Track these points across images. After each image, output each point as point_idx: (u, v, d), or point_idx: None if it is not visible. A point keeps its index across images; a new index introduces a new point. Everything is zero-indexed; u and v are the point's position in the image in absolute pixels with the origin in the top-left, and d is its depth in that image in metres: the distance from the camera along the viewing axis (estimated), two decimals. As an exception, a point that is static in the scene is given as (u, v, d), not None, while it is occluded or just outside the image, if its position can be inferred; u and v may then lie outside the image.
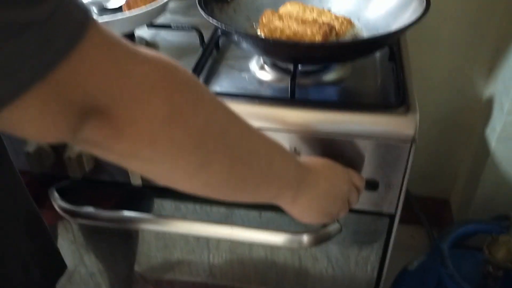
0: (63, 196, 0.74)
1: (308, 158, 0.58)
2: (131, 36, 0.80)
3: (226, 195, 0.48)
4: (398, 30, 0.58)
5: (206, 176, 0.43)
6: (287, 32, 0.67)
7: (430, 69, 1.16)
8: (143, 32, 0.85)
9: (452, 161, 1.33)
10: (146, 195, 0.80)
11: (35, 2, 0.27)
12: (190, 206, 0.77)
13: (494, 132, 1.07)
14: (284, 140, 0.64)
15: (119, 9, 0.79)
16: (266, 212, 0.76)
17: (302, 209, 0.56)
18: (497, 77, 1.10)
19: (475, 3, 1.05)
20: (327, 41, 0.65)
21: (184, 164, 0.41)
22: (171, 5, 0.94)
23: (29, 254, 0.55)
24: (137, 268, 0.94)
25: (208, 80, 0.71)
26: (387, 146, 0.63)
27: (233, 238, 0.71)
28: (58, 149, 0.70)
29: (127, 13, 0.73)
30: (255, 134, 0.47)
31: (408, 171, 0.65)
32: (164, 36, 0.84)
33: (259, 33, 0.71)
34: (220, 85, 0.70)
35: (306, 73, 0.71)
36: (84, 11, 0.31)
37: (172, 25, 0.82)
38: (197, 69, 0.70)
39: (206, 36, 0.79)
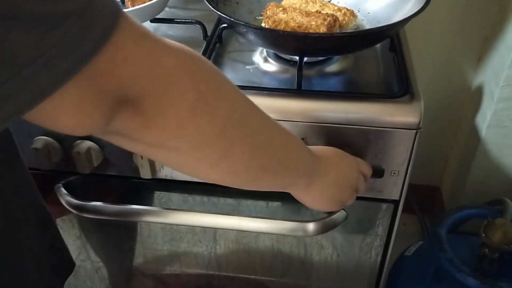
0: (71, 192, 0.74)
1: (318, 148, 0.59)
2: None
3: (245, 184, 0.49)
4: (405, 19, 0.60)
5: (228, 164, 0.44)
6: (292, 24, 0.69)
7: (420, 59, 1.18)
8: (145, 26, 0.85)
9: (443, 149, 1.36)
10: (149, 189, 0.80)
11: None
12: (198, 198, 0.78)
13: (485, 120, 1.10)
14: (292, 130, 0.65)
15: (122, 3, 0.79)
16: (273, 202, 0.77)
17: (314, 197, 0.57)
18: (486, 66, 1.13)
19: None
20: (331, 32, 0.66)
21: (208, 153, 0.42)
22: (169, -1, 0.94)
23: (41, 251, 0.56)
24: (142, 262, 0.95)
25: (213, 73, 0.71)
26: (393, 133, 0.65)
27: (242, 228, 0.72)
28: (66, 145, 0.70)
29: (130, 8, 0.74)
30: (272, 123, 0.48)
31: (413, 157, 0.67)
32: (165, 30, 0.84)
33: (263, 25, 0.72)
34: (226, 78, 0.71)
35: (310, 65, 0.72)
36: (115, 2, 0.31)
37: (175, 19, 0.82)
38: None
39: (208, 31, 0.80)
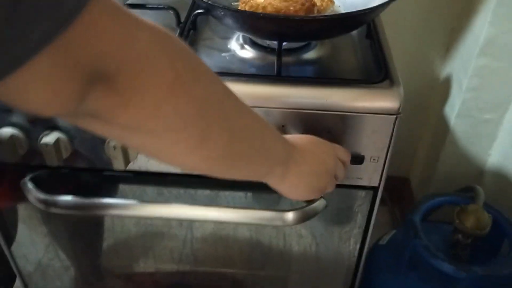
0: (38, 186, 0.70)
1: (294, 136, 0.59)
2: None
3: (222, 172, 0.48)
4: (385, 2, 0.59)
5: (206, 151, 0.43)
6: (269, 9, 0.67)
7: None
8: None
9: (411, 140, 1.38)
10: (122, 182, 0.77)
11: None
12: (174, 190, 0.75)
13: (453, 110, 1.12)
14: (271, 117, 0.64)
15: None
16: (251, 193, 0.76)
17: (290, 185, 0.56)
18: (454, 56, 1.15)
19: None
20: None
21: (185, 136, 0.41)
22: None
23: None
24: (114, 260, 0.92)
25: (189, 60, 0.69)
26: (373, 119, 0.64)
27: (221, 219, 0.71)
28: (33, 136, 0.67)
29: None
30: (248, 109, 0.47)
31: (392, 143, 0.67)
32: (136, 17, 0.81)
33: (240, 10, 0.70)
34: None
35: (288, 52, 0.71)
36: None
37: (146, 4, 0.79)
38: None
39: (182, 17, 0.77)
